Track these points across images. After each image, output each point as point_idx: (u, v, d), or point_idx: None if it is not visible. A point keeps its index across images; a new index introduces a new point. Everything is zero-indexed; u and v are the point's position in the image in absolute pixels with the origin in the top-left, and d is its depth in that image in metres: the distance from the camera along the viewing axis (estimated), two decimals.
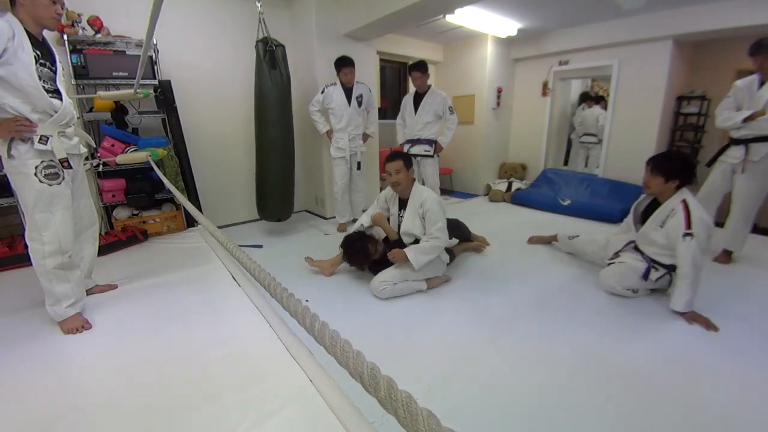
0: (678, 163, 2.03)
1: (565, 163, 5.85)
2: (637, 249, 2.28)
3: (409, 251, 2.15)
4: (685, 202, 1.97)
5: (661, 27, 3.75)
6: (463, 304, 2.15)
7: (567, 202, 4.16)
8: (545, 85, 4.98)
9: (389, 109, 5.24)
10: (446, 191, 5.31)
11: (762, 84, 2.37)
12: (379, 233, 2.54)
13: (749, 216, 2.57)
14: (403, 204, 2.39)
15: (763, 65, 2.34)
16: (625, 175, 4.29)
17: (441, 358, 1.67)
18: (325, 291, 2.33)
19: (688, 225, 1.91)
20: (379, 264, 2.30)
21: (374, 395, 0.47)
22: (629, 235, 2.34)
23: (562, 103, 5.38)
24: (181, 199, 1.87)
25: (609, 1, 3.47)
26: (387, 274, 2.19)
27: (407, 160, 2.32)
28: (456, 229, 2.69)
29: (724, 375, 1.53)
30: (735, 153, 2.52)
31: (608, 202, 4.00)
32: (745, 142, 2.45)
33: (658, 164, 2.04)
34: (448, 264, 2.44)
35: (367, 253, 2.31)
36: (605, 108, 5.29)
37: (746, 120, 2.38)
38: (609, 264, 2.32)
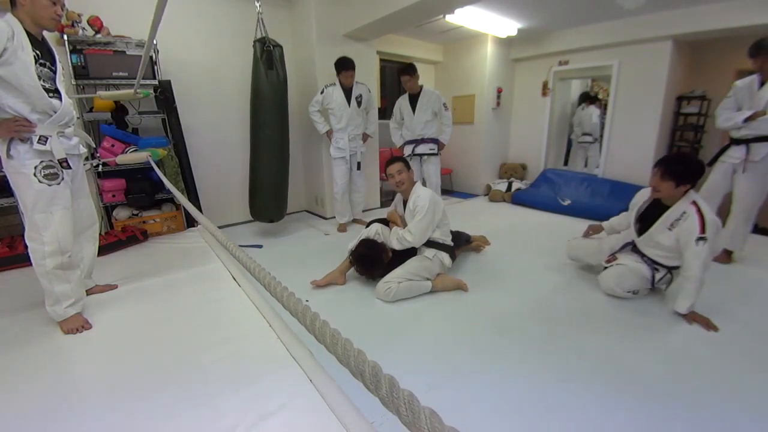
0: (691, 167, 1.90)
1: (565, 163, 5.85)
2: (634, 250, 2.26)
3: (396, 230, 2.35)
4: (696, 205, 1.89)
5: (661, 27, 3.75)
6: (463, 304, 2.15)
7: (567, 202, 4.16)
8: (545, 85, 4.98)
9: (389, 109, 5.23)
10: (446, 191, 5.31)
11: (762, 84, 2.37)
12: (387, 235, 2.50)
13: (750, 216, 2.57)
14: (405, 205, 2.44)
15: (763, 66, 2.34)
16: (625, 175, 4.29)
17: (441, 358, 1.67)
18: (325, 291, 2.33)
19: (703, 229, 1.83)
20: (387, 267, 2.30)
21: (375, 394, 0.46)
22: (624, 235, 2.31)
23: (562, 103, 5.38)
24: (182, 199, 1.87)
25: (609, 1, 3.47)
26: (390, 276, 2.20)
27: (407, 162, 2.42)
28: (456, 239, 2.71)
29: (725, 375, 1.53)
30: (736, 153, 2.52)
31: (608, 202, 4.00)
32: (746, 142, 2.45)
33: (670, 168, 1.90)
34: (449, 267, 2.44)
35: (381, 263, 2.30)
36: (600, 107, 5.33)
37: (747, 120, 2.38)
38: (606, 266, 2.27)
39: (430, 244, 2.36)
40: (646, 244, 2.17)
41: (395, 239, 2.32)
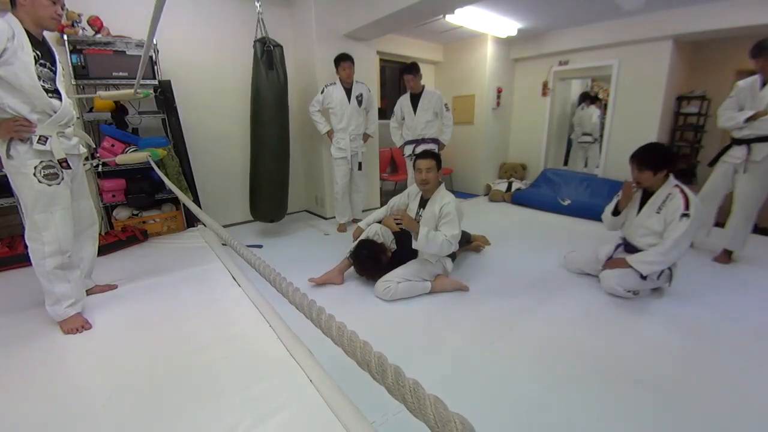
0: (659, 153, 2.09)
1: (565, 163, 5.85)
2: (627, 248, 2.28)
3: (423, 229, 2.11)
4: (680, 187, 2.07)
5: (661, 27, 3.75)
6: (463, 305, 2.15)
7: (567, 202, 4.16)
8: (545, 85, 4.98)
9: (389, 109, 5.24)
10: None
11: (764, 85, 2.38)
12: (387, 236, 2.51)
13: (750, 216, 2.57)
14: (423, 203, 2.38)
15: (764, 66, 2.34)
16: (625, 175, 4.22)
17: (441, 358, 1.67)
18: (324, 292, 2.34)
19: (687, 206, 1.99)
20: (387, 268, 2.30)
21: (382, 383, 0.47)
22: (613, 234, 2.40)
23: (562, 103, 5.39)
24: (184, 198, 1.87)
25: (609, 1, 3.47)
26: (390, 275, 2.20)
27: (439, 161, 2.32)
28: (466, 242, 2.71)
29: (725, 375, 1.53)
30: (737, 153, 2.52)
31: (608, 202, 3.96)
32: (747, 142, 2.46)
33: (643, 160, 2.09)
34: (450, 271, 2.42)
35: (381, 264, 2.30)
36: (600, 107, 5.33)
37: (748, 120, 2.38)
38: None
39: None
40: (637, 233, 2.22)
41: (430, 242, 2.11)
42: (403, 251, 2.37)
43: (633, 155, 2.14)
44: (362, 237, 2.46)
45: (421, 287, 2.22)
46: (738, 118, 2.44)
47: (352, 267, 2.42)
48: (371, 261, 2.31)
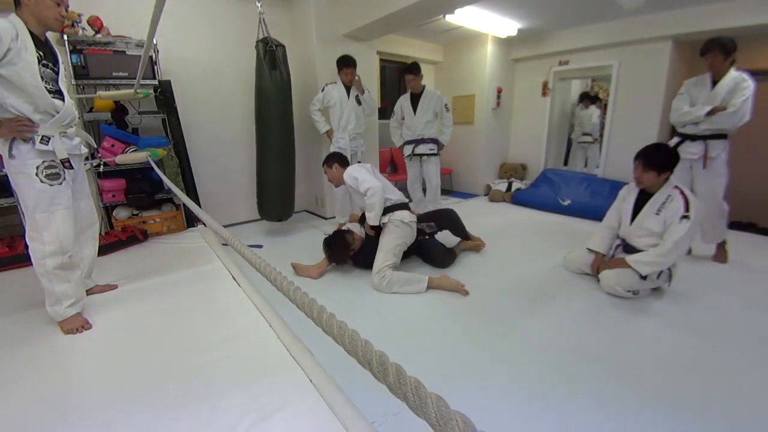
0: (667, 155, 2.09)
1: (565, 163, 5.85)
2: (626, 249, 2.28)
3: (366, 213, 2.44)
4: (679, 189, 2.07)
5: (661, 27, 3.75)
6: (463, 304, 2.15)
7: (567, 202, 4.16)
8: (545, 85, 4.98)
9: (389, 109, 5.23)
10: (446, 191, 5.32)
11: (714, 83, 2.44)
12: (355, 228, 2.68)
13: (722, 209, 2.60)
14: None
15: (713, 63, 2.40)
16: (625, 175, 4.27)
17: (439, 358, 1.67)
18: (325, 293, 2.34)
19: (687, 208, 2.00)
20: (361, 255, 2.44)
21: (383, 381, 0.47)
22: (611, 234, 2.39)
23: (562, 103, 5.39)
24: (184, 198, 1.87)
25: (609, 1, 3.47)
26: (377, 264, 2.25)
27: (331, 159, 2.65)
28: (452, 221, 2.76)
29: (725, 375, 1.53)
30: (693, 149, 2.56)
31: (608, 202, 3.92)
32: (704, 138, 2.49)
33: (650, 160, 2.08)
34: (449, 261, 2.51)
35: (346, 244, 2.46)
36: (600, 107, 5.33)
37: (708, 114, 2.42)
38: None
39: (385, 211, 2.43)
40: (635, 234, 2.22)
41: (369, 213, 2.39)
42: (374, 236, 2.48)
43: (639, 154, 2.12)
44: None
45: (417, 282, 2.25)
46: (697, 112, 2.47)
47: (333, 266, 2.56)
48: (336, 243, 2.48)
